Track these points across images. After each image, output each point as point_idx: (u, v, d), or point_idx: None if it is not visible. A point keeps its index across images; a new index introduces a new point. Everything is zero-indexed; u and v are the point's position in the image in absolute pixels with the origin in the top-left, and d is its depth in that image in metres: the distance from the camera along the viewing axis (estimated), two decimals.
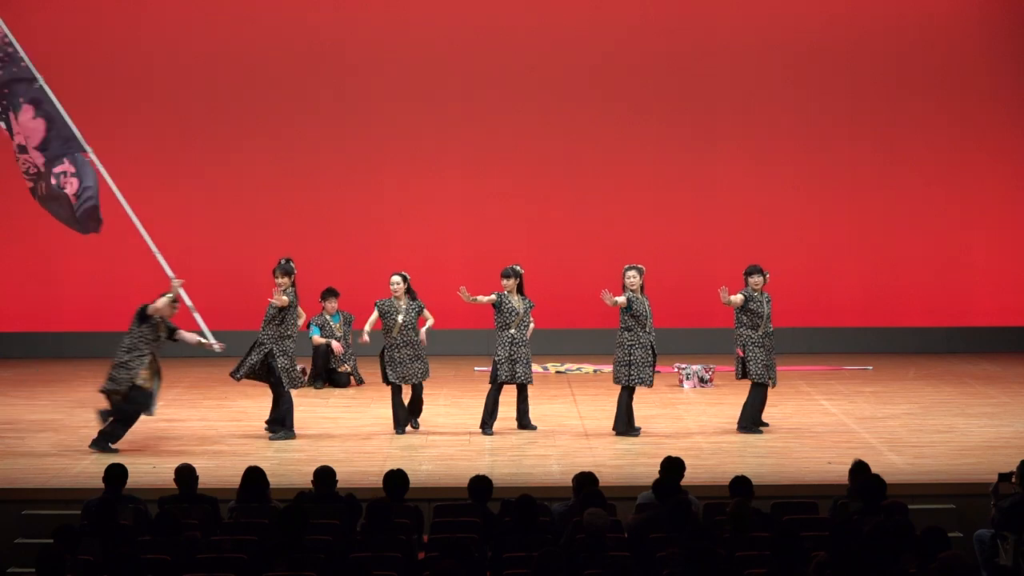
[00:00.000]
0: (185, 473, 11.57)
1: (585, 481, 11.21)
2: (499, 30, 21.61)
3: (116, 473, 11.51)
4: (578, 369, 20.16)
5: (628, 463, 14.11)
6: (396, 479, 11.37)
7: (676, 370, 18.96)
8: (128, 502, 11.32)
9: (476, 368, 19.69)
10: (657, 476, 11.40)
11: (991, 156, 21.76)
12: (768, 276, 15.69)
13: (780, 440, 15.22)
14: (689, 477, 11.53)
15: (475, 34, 21.67)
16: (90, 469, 13.53)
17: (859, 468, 11.46)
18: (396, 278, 15.67)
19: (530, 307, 15.65)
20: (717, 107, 21.76)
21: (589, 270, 20.89)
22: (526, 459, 14.38)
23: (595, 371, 19.86)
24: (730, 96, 21.73)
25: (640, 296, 15.39)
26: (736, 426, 15.57)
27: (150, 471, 13.56)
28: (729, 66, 21.66)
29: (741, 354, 15.43)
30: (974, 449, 14.71)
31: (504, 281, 15.62)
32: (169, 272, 15.08)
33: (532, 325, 15.73)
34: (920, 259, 21.88)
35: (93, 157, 15.50)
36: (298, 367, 15.82)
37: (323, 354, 18.85)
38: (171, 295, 14.84)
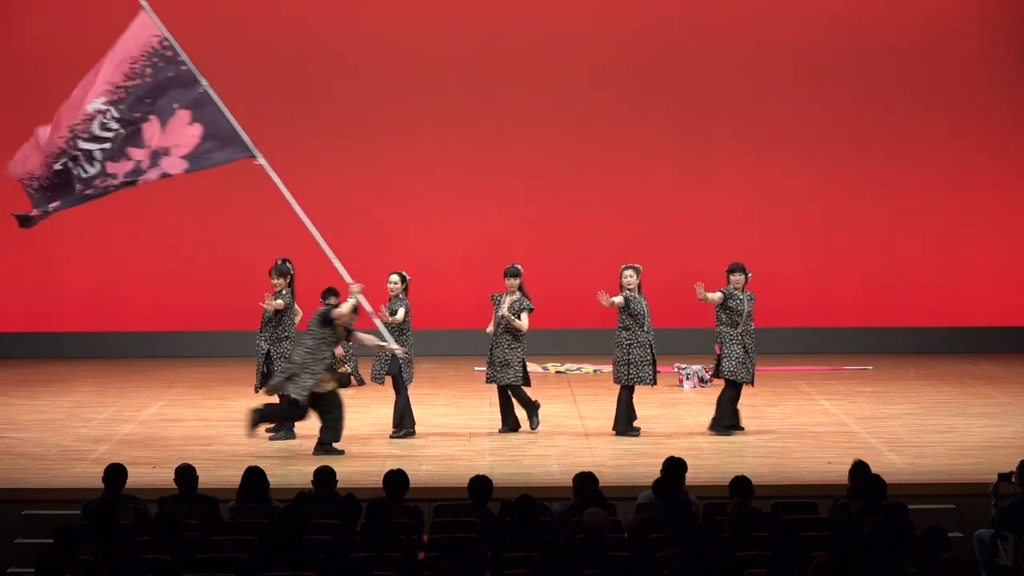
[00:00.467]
0: (185, 473, 11.56)
1: (585, 481, 11.21)
2: (499, 30, 21.60)
3: (116, 473, 11.50)
4: (578, 369, 20.15)
5: (628, 463, 14.11)
6: (396, 479, 11.37)
7: (676, 370, 18.96)
8: (128, 502, 11.31)
9: (476, 368, 19.69)
10: (657, 476, 11.40)
11: (991, 156, 21.76)
12: (750, 275, 15.69)
13: (780, 440, 15.22)
14: (689, 477, 11.52)
15: (475, 34, 21.67)
16: (90, 469, 13.52)
17: (859, 468, 11.46)
18: (394, 277, 15.65)
19: (516, 307, 15.54)
20: (717, 107, 21.76)
21: (589, 270, 20.88)
22: (526, 459, 14.38)
23: (595, 371, 19.86)
24: (730, 96, 21.73)
25: (637, 295, 15.40)
26: (708, 427, 15.52)
27: (150, 471, 13.55)
28: (729, 66, 21.66)
29: (719, 351, 15.45)
30: (974, 449, 14.70)
31: (510, 280, 15.57)
32: (347, 278, 14.81)
33: (515, 321, 15.52)
34: (920, 259, 21.87)
35: (262, 162, 14.72)
36: None
37: None
38: (353, 302, 14.73)
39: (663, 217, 21.68)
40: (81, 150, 14.41)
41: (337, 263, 14.78)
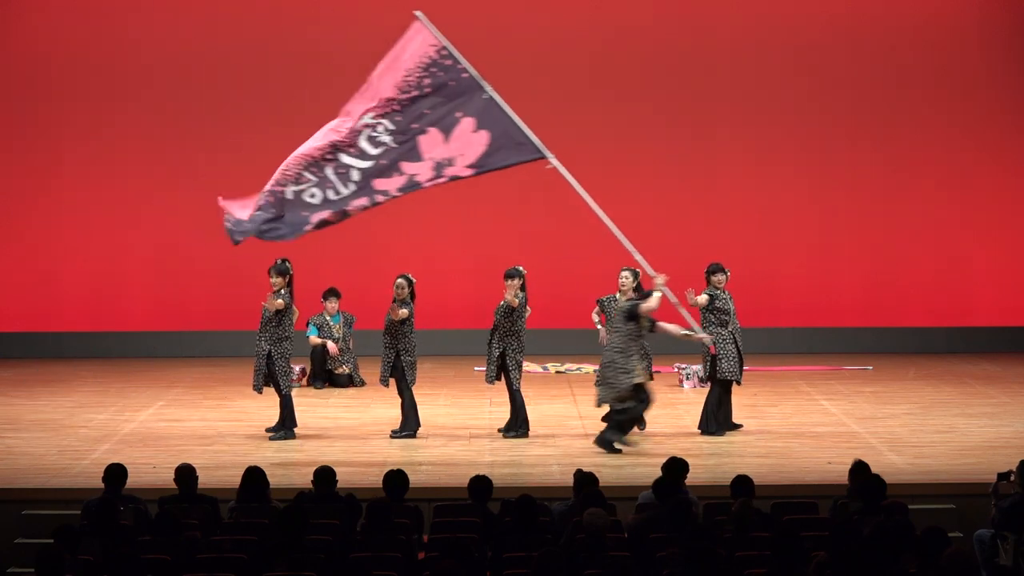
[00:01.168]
0: (185, 473, 11.56)
1: (585, 481, 11.22)
2: (498, 30, 21.59)
3: (116, 473, 11.50)
4: (578, 369, 20.15)
5: (628, 463, 14.12)
6: (396, 479, 11.37)
7: (676, 370, 18.96)
8: (128, 502, 11.31)
9: (476, 368, 19.68)
10: (657, 476, 11.40)
11: (992, 156, 21.76)
12: (729, 274, 15.74)
13: (780, 440, 15.22)
14: (689, 477, 11.52)
15: (474, 34, 21.61)
16: (90, 469, 13.52)
17: (859, 468, 11.46)
18: (400, 280, 15.59)
19: (501, 306, 15.52)
20: (717, 107, 21.75)
21: (589, 270, 20.87)
22: (526, 459, 14.39)
23: (595, 371, 19.81)
24: (730, 96, 21.72)
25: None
26: (700, 429, 15.51)
27: (150, 471, 13.55)
28: (729, 65, 21.66)
29: (714, 351, 15.48)
30: (974, 449, 14.70)
31: (510, 281, 15.53)
32: (650, 271, 14.76)
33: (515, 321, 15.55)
34: (920, 259, 21.87)
35: (555, 163, 14.57)
36: (296, 368, 15.71)
37: (320, 354, 18.84)
38: (659, 294, 14.68)
39: (663, 217, 21.66)
40: (342, 164, 13.80)
41: (639, 256, 14.56)
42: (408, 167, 13.91)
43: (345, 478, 12.37)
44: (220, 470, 13.50)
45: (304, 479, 12.34)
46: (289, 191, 13.77)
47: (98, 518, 10.67)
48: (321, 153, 13.84)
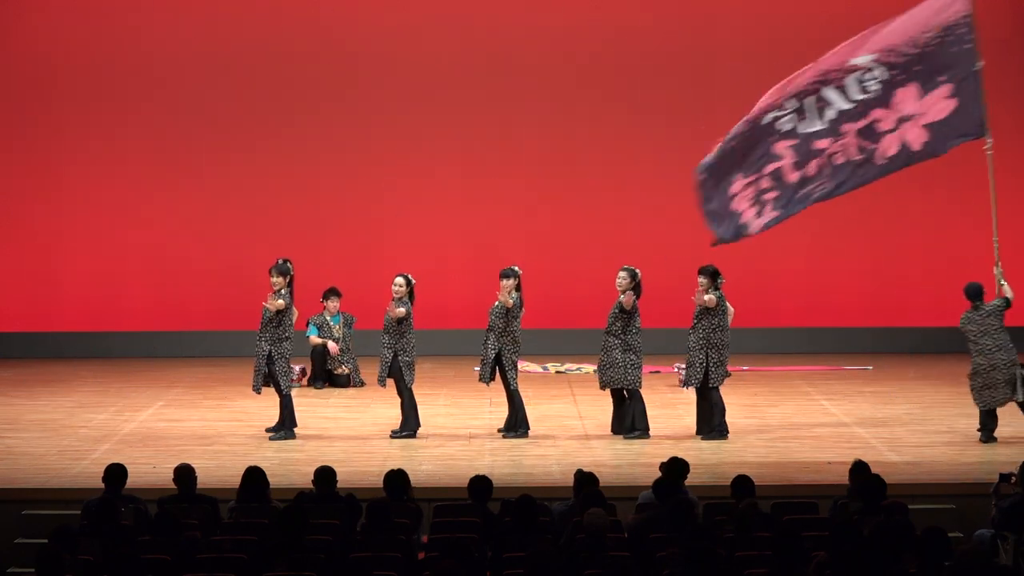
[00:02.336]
0: (184, 473, 11.56)
1: (585, 481, 11.22)
2: (498, 30, 21.59)
3: (116, 473, 11.51)
4: (578, 369, 20.13)
5: (628, 463, 14.12)
6: (396, 479, 11.37)
7: (676, 370, 18.93)
8: (128, 502, 11.31)
9: (475, 368, 19.66)
10: (658, 476, 11.40)
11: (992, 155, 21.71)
12: (722, 280, 15.71)
13: (780, 440, 15.22)
14: (689, 477, 11.52)
15: (474, 34, 21.66)
16: (90, 469, 13.52)
17: (859, 468, 11.47)
18: (399, 279, 15.57)
19: (496, 307, 15.50)
20: (717, 106, 21.69)
21: (589, 270, 20.86)
22: (526, 459, 14.39)
23: (595, 371, 19.81)
24: (730, 95, 21.63)
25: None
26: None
27: (150, 471, 13.56)
28: (729, 65, 21.64)
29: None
30: (974, 449, 14.71)
31: (505, 281, 15.52)
32: (997, 258, 15.09)
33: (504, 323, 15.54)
34: (920, 259, 21.85)
35: (989, 147, 14.81)
36: (296, 368, 15.65)
37: (321, 354, 18.83)
38: (1005, 285, 14.92)
39: (663, 216, 21.65)
40: (823, 98, 14.14)
41: (996, 246, 14.94)
42: (875, 112, 14.18)
43: (345, 478, 12.37)
44: (220, 470, 13.50)
45: (304, 479, 12.34)
46: (768, 116, 14.11)
47: (98, 518, 10.67)
48: (808, 83, 14.12)
